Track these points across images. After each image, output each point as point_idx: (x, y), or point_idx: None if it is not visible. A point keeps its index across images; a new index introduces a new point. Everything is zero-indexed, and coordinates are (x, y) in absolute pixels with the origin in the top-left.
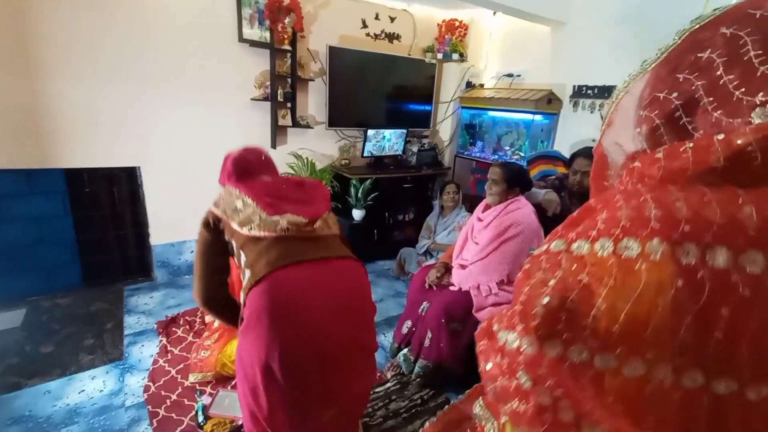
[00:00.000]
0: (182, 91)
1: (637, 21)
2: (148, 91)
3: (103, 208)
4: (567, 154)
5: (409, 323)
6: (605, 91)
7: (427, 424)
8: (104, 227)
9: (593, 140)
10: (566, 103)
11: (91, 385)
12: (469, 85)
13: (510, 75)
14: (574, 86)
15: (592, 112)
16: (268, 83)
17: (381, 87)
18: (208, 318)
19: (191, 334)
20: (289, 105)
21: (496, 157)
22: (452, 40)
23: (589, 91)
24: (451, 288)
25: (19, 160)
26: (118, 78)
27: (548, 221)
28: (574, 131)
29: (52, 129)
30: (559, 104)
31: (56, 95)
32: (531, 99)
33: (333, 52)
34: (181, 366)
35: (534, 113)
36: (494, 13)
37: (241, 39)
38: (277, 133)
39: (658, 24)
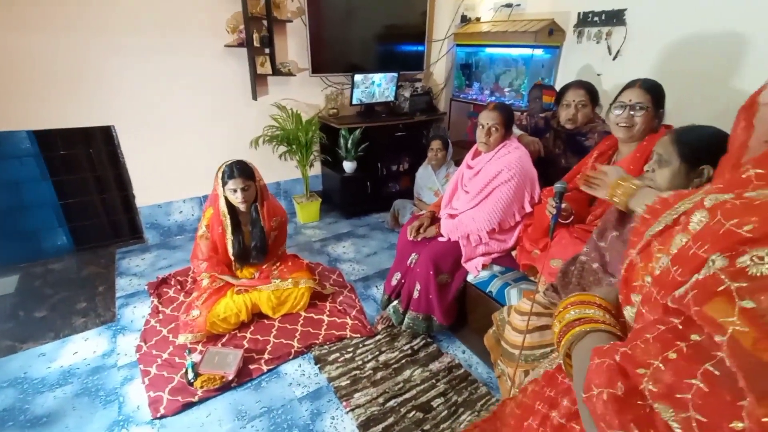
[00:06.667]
0: (147, 40)
1: None
2: (110, 41)
3: (83, 171)
4: None
5: (398, 275)
6: (613, 17)
7: None
8: (87, 190)
9: (598, 74)
10: (569, 33)
11: (84, 347)
12: (465, 20)
13: (509, 5)
14: (579, 13)
15: (598, 42)
16: (242, 27)
17: (367, 26)
18: (198, 277)
19: (182, 294)
20: (267, 51)
21: (494, 99)
22: None
23: (596, 18)
24: (440, 239)
25: None
26: (75, 27)
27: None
28: (577, 65)
29: (11, 87)
30: (562, 35)
31: (10, 48)
32: (530, 31)
33: None
34: (173, 325)
35: (534, 47)
36: None
37: None
38: (257, 82)
39: None
